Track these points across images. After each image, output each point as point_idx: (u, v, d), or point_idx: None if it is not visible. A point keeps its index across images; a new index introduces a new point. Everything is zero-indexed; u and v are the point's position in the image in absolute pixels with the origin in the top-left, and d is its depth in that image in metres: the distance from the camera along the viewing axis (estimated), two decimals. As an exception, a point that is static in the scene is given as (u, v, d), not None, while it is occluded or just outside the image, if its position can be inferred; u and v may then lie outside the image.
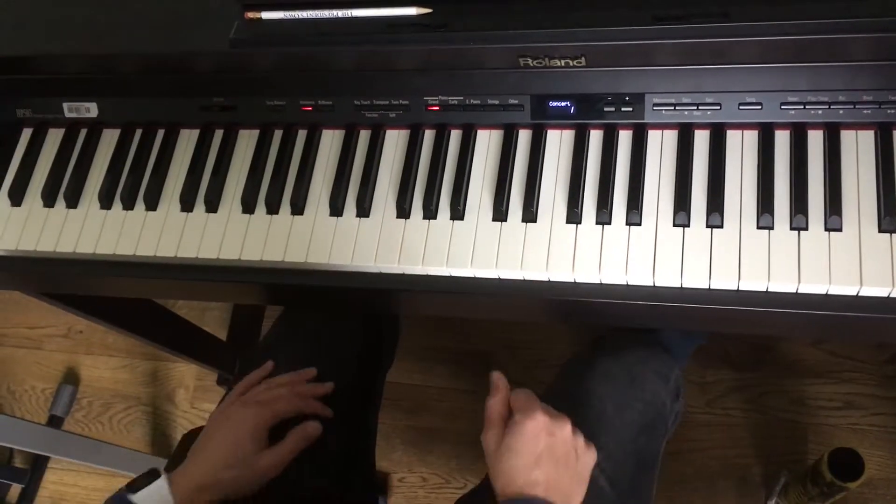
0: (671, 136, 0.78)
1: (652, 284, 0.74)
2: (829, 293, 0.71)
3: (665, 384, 0.92)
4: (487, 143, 0.82)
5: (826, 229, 0.72)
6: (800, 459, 1.38)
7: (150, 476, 0.78)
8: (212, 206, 0.85)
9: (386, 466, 1.51)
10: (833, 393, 1.42)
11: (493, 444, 0.71)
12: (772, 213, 0.73)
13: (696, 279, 0.73)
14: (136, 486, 0.77)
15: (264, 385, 0.91)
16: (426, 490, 1.50)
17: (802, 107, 0.75)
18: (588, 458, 0.73)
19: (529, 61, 0.76)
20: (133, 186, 0.87)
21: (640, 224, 0.76)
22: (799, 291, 0.71)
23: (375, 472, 1.07)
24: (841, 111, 0.74)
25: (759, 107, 0.76)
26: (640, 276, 0.74)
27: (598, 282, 0.76)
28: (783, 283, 0.71)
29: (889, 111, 0.73)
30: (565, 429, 0.71)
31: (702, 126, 0.78)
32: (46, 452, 1.52)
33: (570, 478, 0.70)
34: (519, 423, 0.70)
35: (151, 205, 0.87)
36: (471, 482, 1.45)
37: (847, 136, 0.75)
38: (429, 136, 0.84)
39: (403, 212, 0.81)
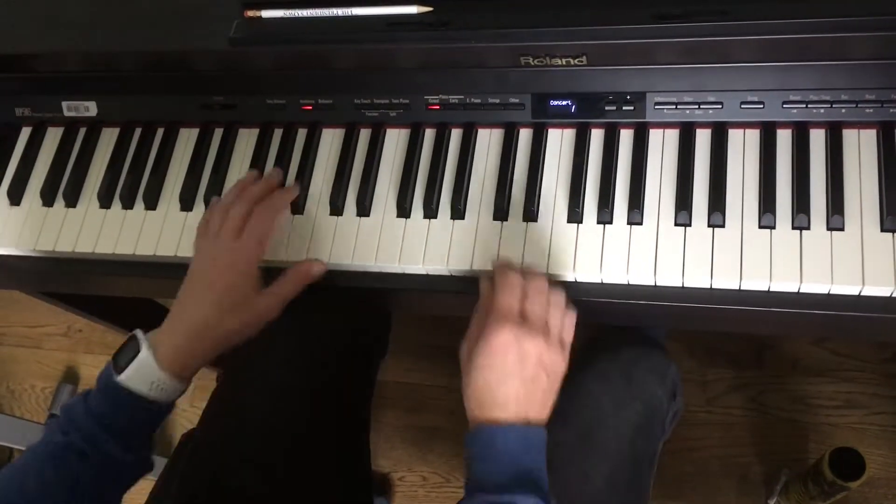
0: (673, 135, 0.78)
1: (653, 284, 0.74)
2: (831, 293, 0.71)
3: (662, 383, 0.92)
4: (488, 142, 0.82)
5: (828, 229, 0.72)
6: (801, 458, 1.38)
7: (131, 345, 0.72)
8: (212, 205, 0.85)
9: (386, 465, 1.51)
10: (834, 392, 1.42)
11: (465, 355, 0.69)
12: (774, 212, 0.73)
13: (697, 279, 0.73)
14: (120, 362, 0.71)
15: (237, 207, 0.78)
16: (426, 489, 1.50)
17: (804, 106, 0.75)
18: (562, 365, 0.70)
19: (530, 60, 0.76)
20: (132, 185, 0.87)
21: (641, 223, 0.76)
22: (801, 291, 0.71)
23: (371, 470, 1.06)
24: (843, 110, 0.74)
25: (761, 106, 0.75)
26: (641, 276, 0.74)
27: (599, 281, 0.75)
28: (785, 283, 0.71)
29: (892, 110, 0.73)
30: (537, 340, 0.67)
31: (703, 125, 0.78)
32: (46, 451, 1.52)
33: (543, 392, 0.68)
34: (486, 337, 0.67)
35: (151, 204, 0.86)
36: (471, 481, 1.45)
37: (849, 136, 0.75)
38: (429, 135, 0.83)
39: (404, 211, 0.81)
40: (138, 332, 0.73)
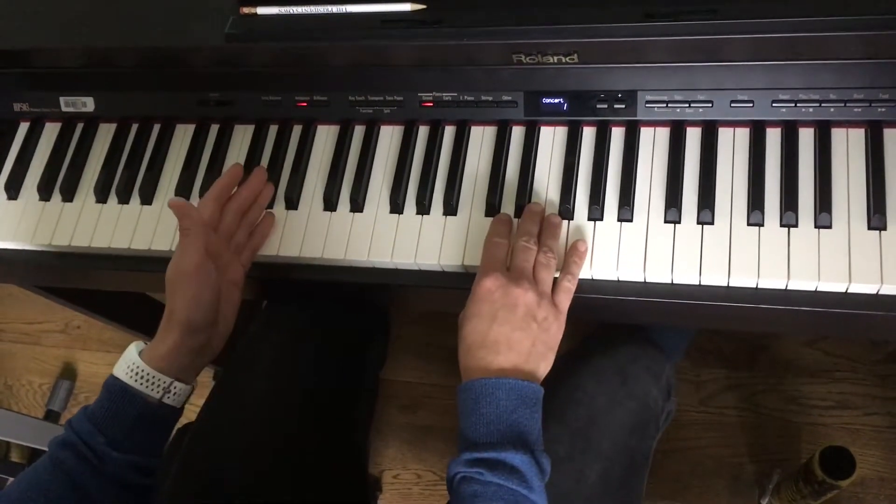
0: (663, 133, 0.79)
1: (643, 280, 0.75)
2: (818, 290, 0.71)
3: (657, 382, 0.92)
4: (481, 139, 0.83)
5: (816, 226, 0.73)
6: (793, 458, 1.38)
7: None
8: (207, 200, 0.86)
9: (380, 463, 1.52)
10: (826, 392, 1.43)
11: (462, 315, 0.71)
12: (762, 209, 0.74)
13: (686, 275, 0.73)
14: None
15: (232, 214, 0.80)
16: (420, 487, 1.50)
17: (794, 105, 0.75)
18: (556, 327, 0.70)
19: (523, 58, 0.76)
20: (129, 180, 0.88)
21: (631, 220, 0.76)
22: (788, 288, 0.72)
23: (367, 471, 1.06)
24: (832, 109, 0.75)
25: (751, 104, 0.76)
26: (630, 273, 0.75)
27: (590, 277, 0.76)
28: (773, 280, 0.72)
29: (879, 109, 0.74)
30: (524, 288, 0.68)
31: (694, 123, 0.78)
32: (43, 447, 1.52)
33: (534, 343, 0.68)
34: (474, 286, 0.70)
35: (147, 199, 0.87)
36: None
37: (838, 134, 0.75)
38: (423, 132, 0.84)
39: (397, 207, 0.81)
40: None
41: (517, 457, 0.63)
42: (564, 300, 0.72)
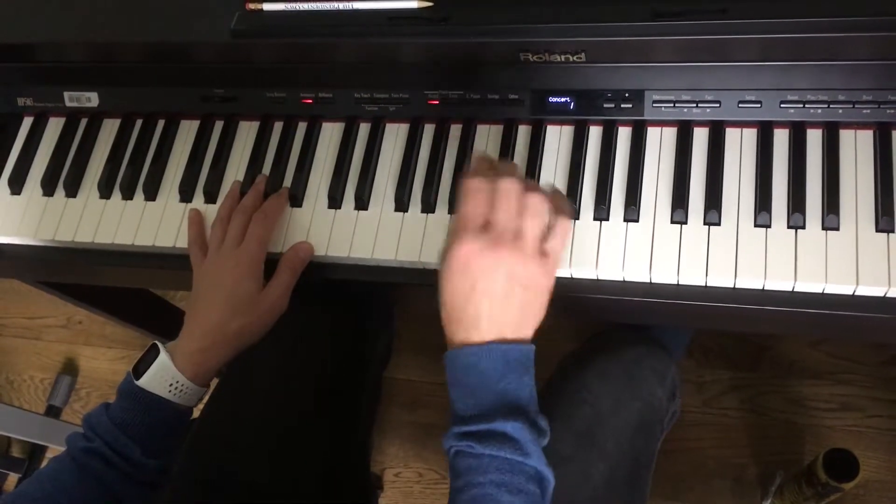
0: (670, 133, 0.78)
1: (648, 281, 0.74)
2: (825, 292, 0.71)
3: (662, 383, 0.92)
4: (487, 137, 0.82)
5: (823, 228, 0.72)
6: (796, 460, 1.38)
7: (151, 353, 0.74)
8: (210, 196, 0.85)
9: (382, 461, 1.51)
10: (830, 394, 1.42)
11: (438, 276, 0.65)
12: (769, 211, 0.73)
13: (692, 276, 0.73)
14: (140, 369, 0.74)
15: (236, 220, 0.81)
16: (422, 485, 1.50)
17: (802, 105, 0.75)
18: (546, 278, 0.64)
19: (530, 56, 0.76)
20: (132, 176, 0.88)
21: (637, 220, 0.76)
22: (795, 290, 0.71)
23: (369, 470, 1.06)
24: (840, 110, 0.74)
25: (759, 105, 0.76)
26: (636, 273, 0.74)
27: (595, 278, 0.76)
28: (780, 282, 0.71)
29: (888, 111, 0.73)
30: (505, 250, 0.61)
31: (701, 123, 0.78)
32: (44, 442, 1.52)
33: (520, 308, 0.62)
34: (446, 254, 0.63)
35: (150, 195, 0.87)
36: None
37: (846, 136, 0.75)
38: (428, 129, 0.84)
39: (402, 205, 0.81)
40: (157, 342, 0.76)
41: (508, 424, 0.60)
42: (558, 245, 0.65)
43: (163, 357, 0.74)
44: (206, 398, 0.97)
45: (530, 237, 0.63)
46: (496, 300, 0.61)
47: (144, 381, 0.73)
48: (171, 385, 0.74)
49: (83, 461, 0.70)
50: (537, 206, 0.64)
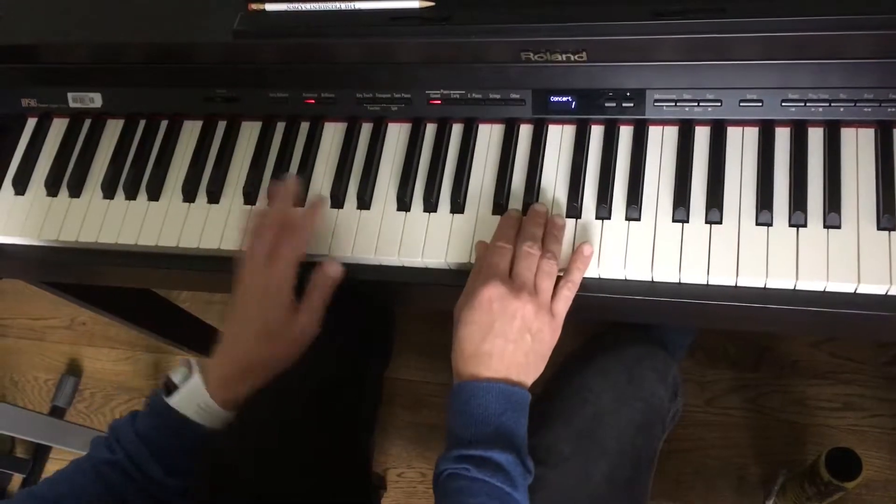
0: (672, 132, 0.79)
1: (650, 280, 0.75)
2: (826, 290, 0.71)
3: (663, 383, 0.92)
4: (489, 137, 0.83)
5: (825, 226, 0.72)
6: (798, 460, 1.37)
7: (182, 371, 0.75)
8: (214, 196, 0.86)
9: (384, 462, 1.52)
10: (832, 394, 1.42)
11: (457, 313, 0.71)
12: (771, 209, 0.73)
13: (694, 275, 0.73)
14: (171, 386, 0.75)
15: (261, 237, 0.78)
16: (425, 485, 1.50)
17: (803, 104, 0.75)
18: (550, 337, 0.72)
19: (531, 56, 0.76)
20: (136, 176, 0.88)
21: (639, 219, 0.76)
22: (797, 288, 0.72)
23: (370, 471, 1.06)
24: (841, 109, 0.74)
25: (760, 104, 0.76)
26: (638, 272, 0.75)
27: (597, 276, 0.76)
28: (781, 280, 0.71)
29: (889, 109, 0.73)
30: (523, 301, 0.69)
31: (702, 122, 0.78)
32: (48, 442, 1.53)
33: (526, 354, 0.70)
34: (473, 294, 0.69)
35: (154, 195, 0.87)
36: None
37: (847, 134, 0.75)
38: (430, 129, 0.84)
39: (404, 204, 0.81)
40: (191, 360, 0.77)
41: (503, 456, 0.65)
42: (562, 308, 0.73)
43: (196, 380, 0.74)
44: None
45: (544, 294, 0.71)
46: (509, 342, 0.69)
47: (175, 401, 0.74)
48: (199, 406, 0.75)
49: (103, 470, 0.71)
50: (551, 270, 0.72)
